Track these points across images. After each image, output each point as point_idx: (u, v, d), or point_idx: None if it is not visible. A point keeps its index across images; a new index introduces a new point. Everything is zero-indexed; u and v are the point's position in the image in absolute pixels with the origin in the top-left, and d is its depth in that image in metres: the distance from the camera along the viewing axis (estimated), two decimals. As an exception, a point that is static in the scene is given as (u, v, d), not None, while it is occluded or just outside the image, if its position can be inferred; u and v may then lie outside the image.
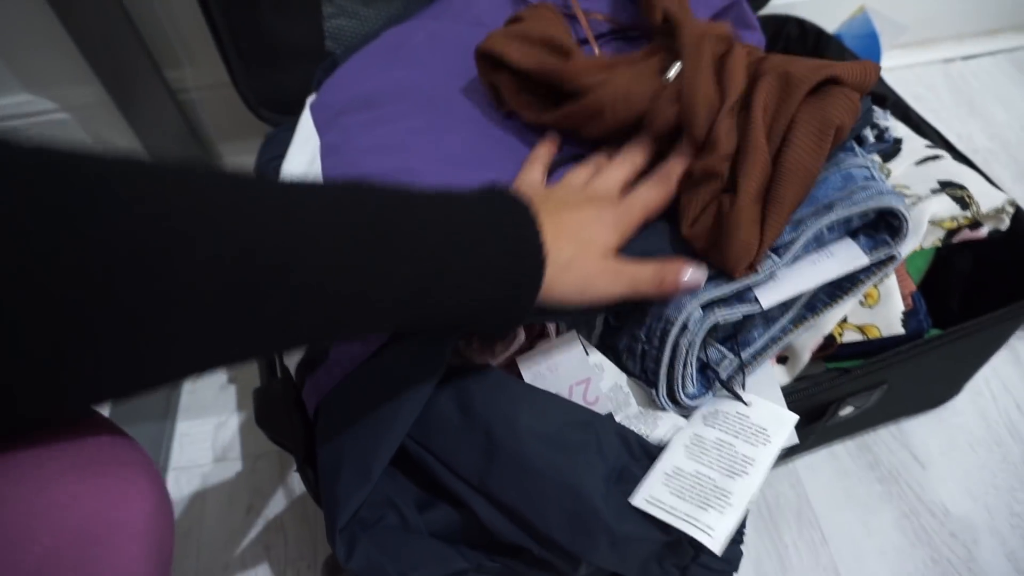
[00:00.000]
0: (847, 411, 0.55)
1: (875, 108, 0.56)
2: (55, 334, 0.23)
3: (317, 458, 0.46)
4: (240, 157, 0.91)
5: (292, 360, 0.51)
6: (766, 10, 0.77)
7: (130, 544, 0.30)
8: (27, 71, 0.83)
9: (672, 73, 0.45)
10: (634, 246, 0.44)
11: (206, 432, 0.71)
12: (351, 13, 0.65)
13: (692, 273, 0.42)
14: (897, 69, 0.96)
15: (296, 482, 0.66)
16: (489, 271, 0.34)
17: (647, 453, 0.44)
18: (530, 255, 0.36)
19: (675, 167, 0.44)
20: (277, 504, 0.65)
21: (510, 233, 0.35)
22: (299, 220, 0.28)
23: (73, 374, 0.24)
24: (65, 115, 0.86)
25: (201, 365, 0.28)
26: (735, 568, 0.45)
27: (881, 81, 0.68)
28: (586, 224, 0.40)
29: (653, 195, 0.44)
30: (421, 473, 0.45)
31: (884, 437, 0.66)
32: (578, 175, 0.46)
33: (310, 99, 0.58)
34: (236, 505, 0.65)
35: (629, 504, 0.41)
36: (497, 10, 0.56)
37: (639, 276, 0.41)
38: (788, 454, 0.62)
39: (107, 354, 0.24)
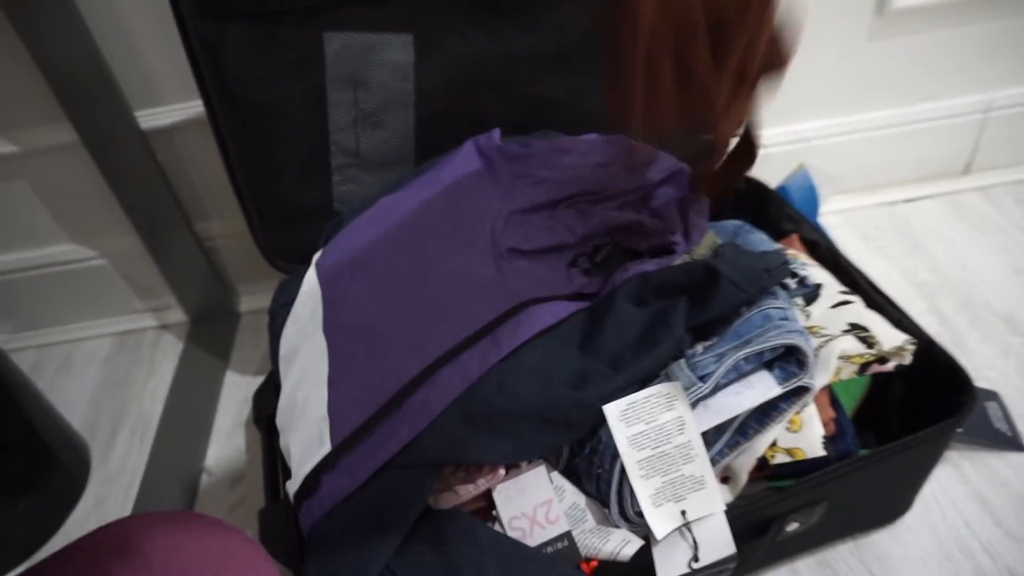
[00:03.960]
0: (793, 527, 0.61)
1: (794, 259, 0.65)
2: None
3: None
4: (256, 297, 1.02)
5: (290, 487, 0.57)
6: (717, 167, 0.89)
7: None
8: (72, 223, 0.94)
9: None
10: None
11: (212, 553, 0.76)
12: (355, 180, 0.77)
13: None
14: (847, 211, 1.07)
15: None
16: None
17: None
18: None
19: None
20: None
21: None
22: None
23: None
24: (103, 262, 0.97)
25: None
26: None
27: (815, 229, 0.78)
28: None
29: None
30: None
31: (843, 553, 0.70)
32: None
33: (316, 256, 0.69)
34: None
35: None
36: (475, 185, 0.68)
37: None
38: (749, 571, 0.67)
39: None
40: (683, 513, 0.51)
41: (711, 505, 0.51)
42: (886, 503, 0.70)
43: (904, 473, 0.66)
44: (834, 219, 1.05)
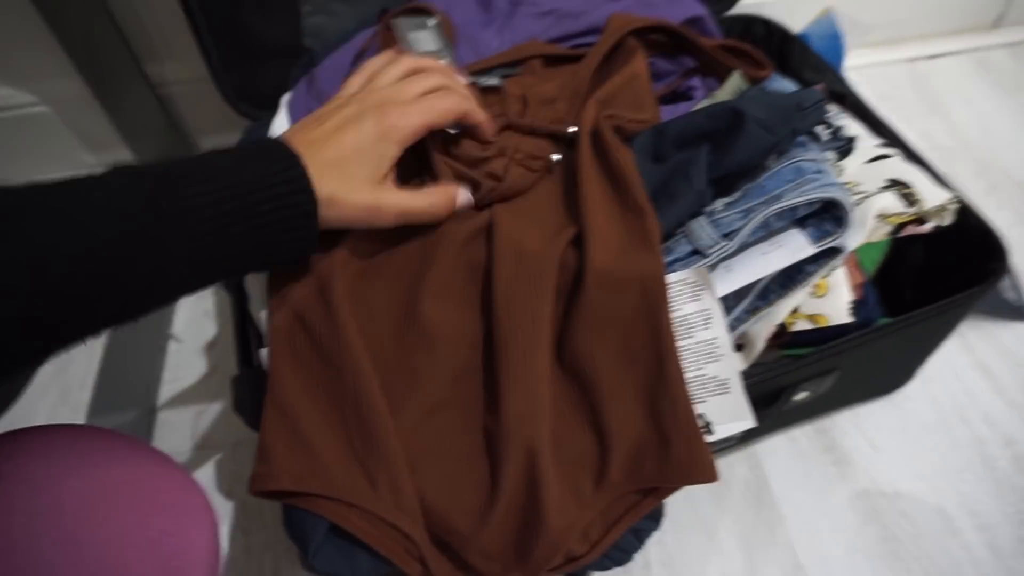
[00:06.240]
0: (802, 396, 0.58)
1: (829, 109, 0.58)
2: None
3: None
4: (220, 151, 0.93)
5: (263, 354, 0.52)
6: (734, 11, 0.79)
7: (198, 571, 0.37)
8: (7, 64, 0.83)
9: None
10: None
11: (186, 421, 0.73)
12: (329, 11, 0.67)
13: (462, 196, 0.46)
14: (863, 68, 0.99)
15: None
16: (268, 222, 0.37)
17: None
18: (300, 197, 0.38)
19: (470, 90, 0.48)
20: (257, 489, 0.67)
21: (280, 180, 0.37)
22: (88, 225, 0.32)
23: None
24: (45, 108, 0.87)
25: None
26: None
27: (841, 80, 0.71)
28: (346, 157, 0.41)
29: (442, 104, 0.44)
30: None
31: (840, 422, 0.69)
32: (351, 84, 0.47)
33: (285, 97, 0.60)
34: (216, 491, 0.67)
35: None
36: (469, 12, 0.58)
37: (410, 206, 0.44)
38: (748, 438, 0.65)
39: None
40: (701, 417, 0.46)
41: (736, 414, 0.46)
42: (891, 373, 0.67)
43: (918, 342, 0.63)
44: (851, 75, 0.97)
